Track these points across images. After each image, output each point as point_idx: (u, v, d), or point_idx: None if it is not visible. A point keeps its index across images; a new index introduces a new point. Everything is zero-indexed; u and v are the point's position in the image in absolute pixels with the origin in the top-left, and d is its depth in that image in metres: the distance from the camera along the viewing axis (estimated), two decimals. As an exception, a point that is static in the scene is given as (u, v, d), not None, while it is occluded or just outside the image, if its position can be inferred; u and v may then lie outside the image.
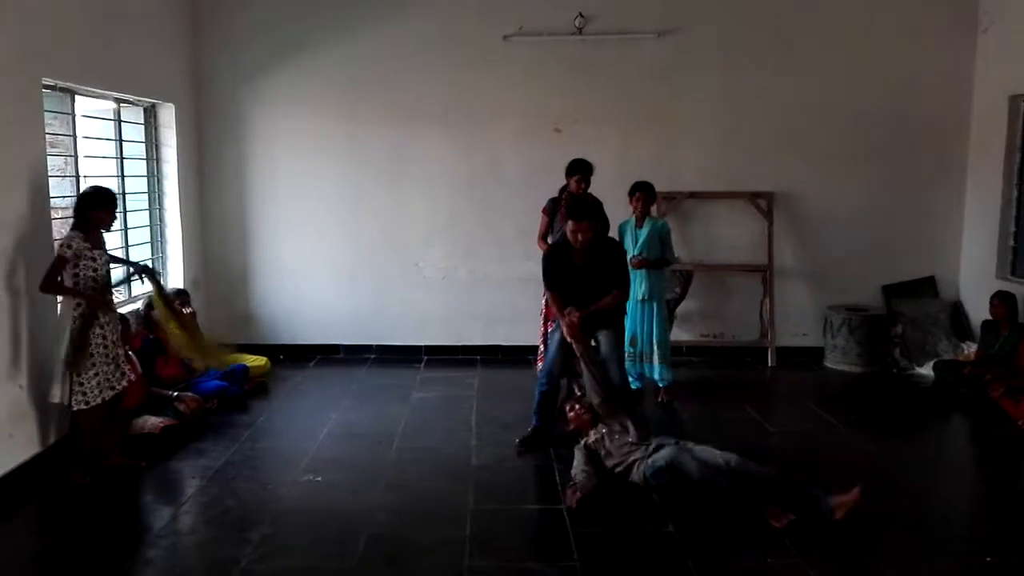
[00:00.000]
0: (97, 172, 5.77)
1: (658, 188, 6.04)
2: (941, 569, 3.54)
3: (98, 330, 4.39)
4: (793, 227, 7.14)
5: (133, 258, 6.15)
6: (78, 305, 4.32)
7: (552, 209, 5.80)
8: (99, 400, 4.41)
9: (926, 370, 6.65)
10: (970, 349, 6.56)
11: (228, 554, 3.61)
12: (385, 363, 7.12)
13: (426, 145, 7.08)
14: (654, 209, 6.04)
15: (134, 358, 5.01)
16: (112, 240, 4.96)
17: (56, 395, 4.35)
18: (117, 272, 5.00)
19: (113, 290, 4.67)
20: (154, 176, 6.59)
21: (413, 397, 6.11)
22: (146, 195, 6.50)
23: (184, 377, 5.67)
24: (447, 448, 5.00)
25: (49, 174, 4.80)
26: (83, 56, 5.21)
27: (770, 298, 7.08)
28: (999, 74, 6.61)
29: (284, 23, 6.96)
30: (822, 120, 6.98)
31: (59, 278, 4.28)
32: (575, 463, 4.38)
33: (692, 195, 7.06)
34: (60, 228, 4.94)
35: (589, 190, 5.69)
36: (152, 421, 4.96)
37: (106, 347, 4.45)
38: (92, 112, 5.82)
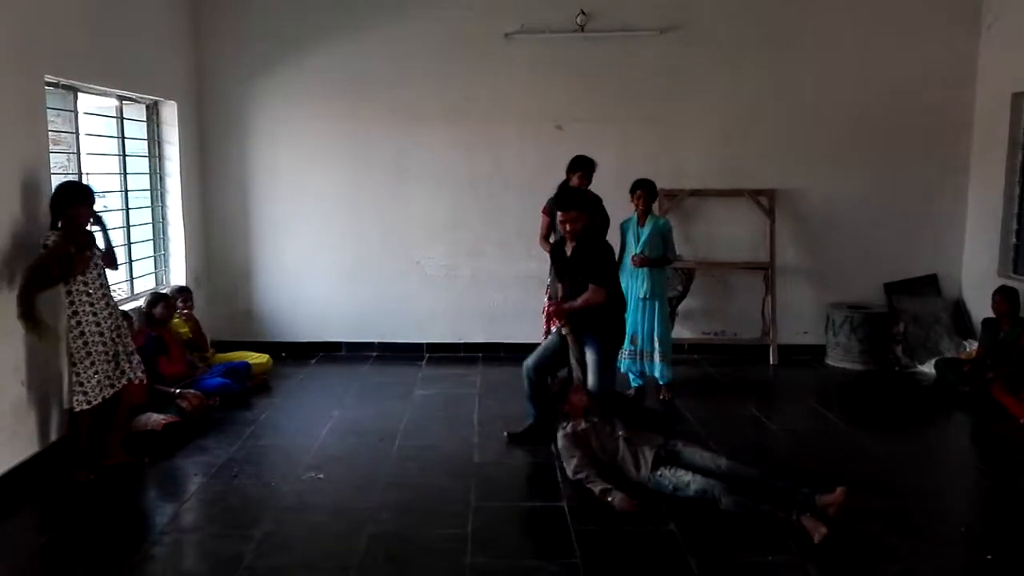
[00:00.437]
0: (99, 170, 5.78)
1: (659, 186, 6.05)
2: (941, 567, 3.55)
3: (95, 327, 4.39)
4: (795, 225, 7.14)
5: (135, 255, 6.18)
6: (71, 303, 4.31)
7: (552, 209, 5.79)
8: (100, 399, 4.41)
9: (928, 368, 6.65)
10: (972, 347, 6.56)
11: (230, 551, 3.62)
12: (387, 361, 7.13)
13: (427, 143, 7.08)
14: (656, 207, 6.04)
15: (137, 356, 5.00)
16: (113, 238, 4.93)
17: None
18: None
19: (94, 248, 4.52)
20: (156, 174, 6.59)
21: (415, 395, 6.12)
22: (148, 193, 6.50)
23: (186, 374, 5.68)
24: (449, 446, 5.00)
25: (52, 171, 4.80)
26: (86, 53, 5.21)
27: (772, 296, 7.07)
28: (1002, 71, 6.59)
29: (286, 21, 6.96)
30: (824, 117, 6.98)
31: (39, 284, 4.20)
32: (575, 462, 4.27)
33: (694, 193, 7.05)
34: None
35: (590, 187, 5.69)
36: (155, 418, 4.96)
37: (104, 344, 4.45)
38: (94, 110, 5.82)
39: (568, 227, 4.79)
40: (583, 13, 6.81)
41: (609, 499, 4.04)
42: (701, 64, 6.95)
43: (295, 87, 7.03)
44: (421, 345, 7.32)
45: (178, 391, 5.33)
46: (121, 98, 6.03)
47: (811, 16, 6.91)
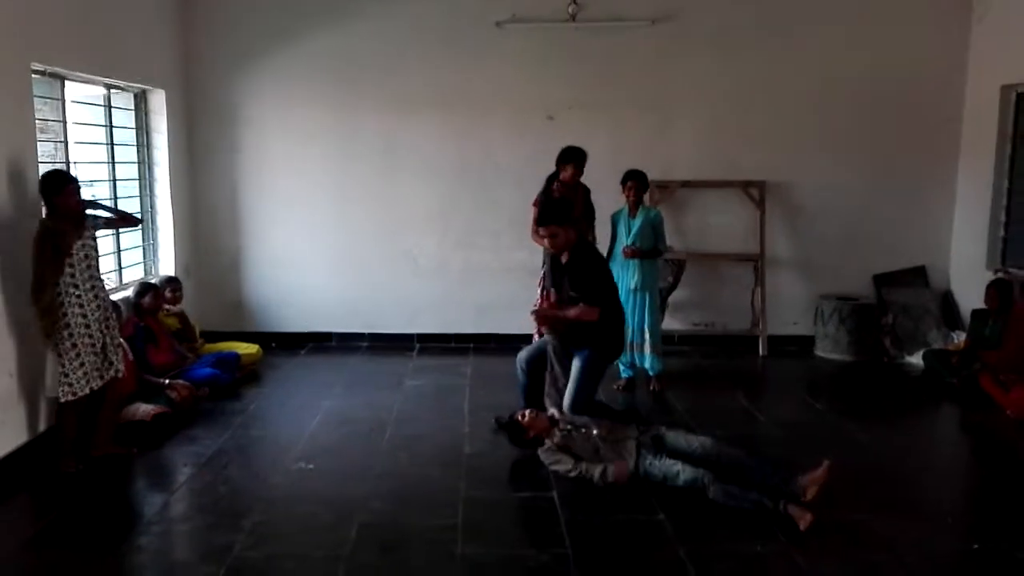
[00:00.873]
0: (87, 159, 5.73)
1: (651, 177, 6.04)
2: (929, 556, 3.57)
3: (81, 319, 4.37)
4: (785, 216, 7.16)
5: (124, 245, 6.14)
6: (58, 295, 4.29)
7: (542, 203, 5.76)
8: (86, 390, 4.39)
9: (916, 359, 6.69)
10: (960, 338, 6.60)
11: (220, 541, 3.61)
12: (377, 351, 7.12)
13: (418, 132, 7.05)
14: (647, 198, 6.04)
15: (126, 346, 4.98)
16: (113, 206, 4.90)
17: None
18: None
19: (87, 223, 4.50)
20: (144, 163, 6.54)
21: (406, 385, 6.11)
22: (136, 182, 6.45)
23: (175, 365, 5.65)
24: (440, 436, 5.01)
25: (39, 160, 4.76)
26: (73, 41, 5.16)
27: (762, 287, 7.10)
28: (992, 64, 6.61)
29: (275, 8, 6.91)
30: (815, 109, 6.99)
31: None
32: (565, 465, 4.27)
33: (685, 184, 7.05)
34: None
35: (581, 178, 5.67)
36: (143, 409, 4.94)
37: (91, 336, 4.42)
38: (82, 98, 5.77)
39: (548, 242, 4.70)
40: (574, 3, 6.79)
41: (609, 477, 4.12)
42: (692, 55, 6.94)
43: (284, 75, 6.98)
44: (411, 335, 7.31)
45: (167, 381, 5.31)
46: (109, 86, 5.98)
47: (802, 8, 6.90)
